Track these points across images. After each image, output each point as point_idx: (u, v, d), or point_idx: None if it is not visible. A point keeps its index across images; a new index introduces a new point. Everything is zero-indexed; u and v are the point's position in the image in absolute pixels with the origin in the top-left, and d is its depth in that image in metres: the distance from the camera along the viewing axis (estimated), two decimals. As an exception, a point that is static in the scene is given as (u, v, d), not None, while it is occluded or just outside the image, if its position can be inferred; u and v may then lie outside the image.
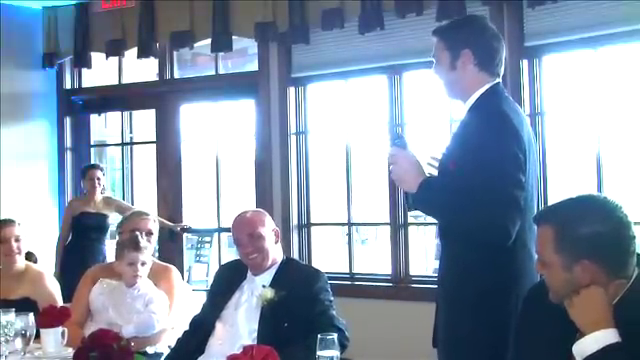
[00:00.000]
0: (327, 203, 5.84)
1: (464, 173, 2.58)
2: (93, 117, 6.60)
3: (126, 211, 4.74)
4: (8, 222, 4.23)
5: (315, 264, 5.42)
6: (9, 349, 3.02)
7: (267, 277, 3.36)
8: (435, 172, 2.81)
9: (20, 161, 6.05)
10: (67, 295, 4.09)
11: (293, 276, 3.33)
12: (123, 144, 6.53)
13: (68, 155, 6.41)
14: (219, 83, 5.96)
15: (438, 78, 2.85)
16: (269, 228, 3.40)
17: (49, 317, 3.30)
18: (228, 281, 3.48)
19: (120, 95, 6.38)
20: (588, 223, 2.04)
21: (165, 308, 3.66)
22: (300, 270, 3.45)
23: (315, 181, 5.58)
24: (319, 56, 5.33)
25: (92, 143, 6.67)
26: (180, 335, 3.53)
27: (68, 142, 6.42)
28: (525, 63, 4.63)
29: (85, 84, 6.47)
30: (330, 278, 3.53)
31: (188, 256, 7.76)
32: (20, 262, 4.15)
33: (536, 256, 2.75)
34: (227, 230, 5.88)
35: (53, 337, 3.27)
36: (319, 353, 2.39)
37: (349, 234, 5.57)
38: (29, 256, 4.32)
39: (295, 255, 5.37)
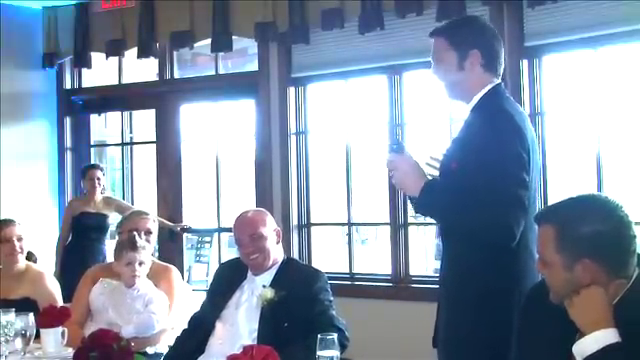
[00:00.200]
0: (327, 203, 5.84)
1: (467, 173, 2.57)
2: (93, 117, 6.60)
3: (126, 211, 4.74)
4: (9, 222, 4.23)
5: (315, 264, 5.42)
6: (9, 349, 3.03)
7: (267, 277, 3.36)
8: (436, 173, 2.81)
9: (20, 161, 6.05)
10: (67, 295, 4.09)
11: (293, 276, 3.33)
12: (123, 144, 6.53)
13: (68, 155, 6.41)
14: (219, 83, 5.96)
15: (439, 79, 2.84)
16: (270, 228, 3.39)
17: (49, 317, 3.30)
18: (228, 280, 3.48)
19: (120, 95, 6.38)
20: (589, 222, 2.04)
21: (165, 308, 3.66)
22: (300, 270, 3.45)
23: (315, 181, 5.58)
24: (319, 56, 5.33)
25: (92, 143, 6.67)
26: (179, 334, 3.54)
27: (68, 142, 6.42)
28: (525, 63, 4.63)
29: (85, 84, 6.47)
30: (330, 278, 3.53)
31: (188, 256, 7.76)
32: (21, 262, 4.15)
33: (537, 256, 2.76)
34: (227, 230, 5.89)
35: (53, 337, 3.27)
36: (319, 353, 2.40)
37: (349, 234, 5.58)
38: (29, 256, 4.32)
39: (295, 255, 5.37)
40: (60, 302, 3.97)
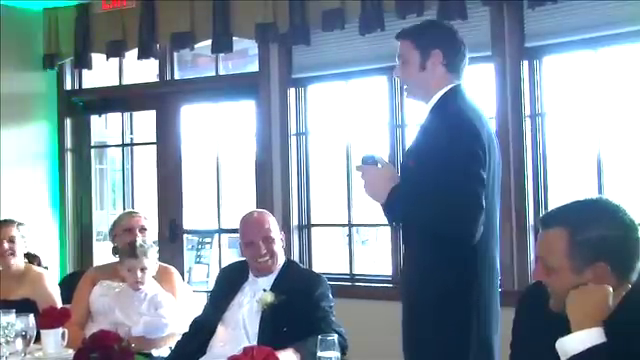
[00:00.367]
0: (327, 204, 5.84)
1: (424, 172, 2.65)
2: (94, 118, 6.59)
3: None
4: (4, 222, 4.24)
5: (315, 265, 5.43)
6: (9, 350, 3.03)
7: (269, 280, 3.36)
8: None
9: (20, 162, 6.05)
10: (67, 296, 4.10)
11: (294, 280, 3.33)
12: (123, 145, 6.52)
13: (68, 156, 6.40)
14: (219, 84, 5.95)
15: (402, 79, 2.96)
16: (277, 231, 3.41)
17: (49, 318, 3.31)
18: (230, 283, 3.48)
19: (120, 96, 6.37)
20: (603, 225, 2.02)
21: (174, 311, 3.66)
22: (301, 274, 3.45)
23: (315, 182, 5.57)
24: (319, 57, 5.33)
25: (92, 144, 6.66)
26: (180, 337, 3.54)
27: (68, 143, 6.41)
28: (525, 64, 4.63)
29: (85, 85, 6.47)
30: (330, 279, 3.54)
31: (188, 257, 7.76)
32: (17, 263, 4.14)
33: (498, 258, 2.80)
34: (227, 231, 5.89)
35: (53, 338, 3.27)
36: (320, 354, 2.40)
37: (349, 235, 5.57)
38: (32, 258, 4.32)
39: (295, 256, 5.37)
40: (59, 303, 3.97)
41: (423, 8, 4.66)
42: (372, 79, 5.32)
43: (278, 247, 3.38)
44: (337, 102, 5.49)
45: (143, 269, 3.64)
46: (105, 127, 7.69)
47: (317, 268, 5.26)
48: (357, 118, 5.43)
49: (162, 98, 6.10)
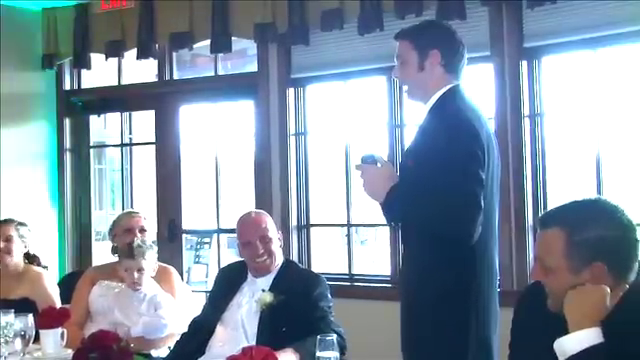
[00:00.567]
0: (326, 204, 5.84)
1: (423, 172, 2.65)
2: (92, 118, 6.59)
3: None
4: (2, 222, 4.24)
5: (314, 265, 5.43)
6: (8, 350, 3.03)
7: (268, 280, 3.36)
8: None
9: (19, 162, 6.05)
10: (66, 296, 4.10)
11: (293, 280, 3.33)
12: (122, 145, 6.52)
13: (67, 156, 6.41)
14: (218, 84, 5.95)
15: (401, 80, 2.97)
16: (275, 231, 3.42)
17: (48, 318, 3.31)
18: (229, 283, 3.49)
19: (119, 96, 6.37)
20: (601, 226, 2.02)
21: (173, 312, 3.66)
22: (300, 274, 3.45)
23: (314, 182, 5.57)
24: (318, 57, 5.33)
25: (91, 144, 6.66)
26: (179, 337, 3.54)
27: (67, 143, 6.41)
28: (524, 64, 4.63)
29: (84, 85, 6.47)
30: (329, 279, 3.54)
31: (187, 257, 7.75)
32: (14, 262, 4.14)
33: (497, 258, 2.81)
34: (226, 231, 5.89)
35: (52, 338, 3.27)
36: (319, 354, 2.40)
37: (348, 235, 5.57)
38: (32, 259, 4.32)
39: (294, 256, 5.37)
40: (59, 303, 3.97)
41: (422, 8, 4.66)
42: (371, 79, 5.32)
43: (276, 247, 3.38)
44: (336, 102, 5.49)
45: (140, 270, 3.63)
46: (104, 127, 7.67)
47: (316, 268, 5.26)
48: (356, 118, 5.43)
49: (161, 98, 6.10)
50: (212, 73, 5.99)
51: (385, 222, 2.87)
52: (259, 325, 3.24)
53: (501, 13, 4.62)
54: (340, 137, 5.44)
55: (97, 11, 5.99)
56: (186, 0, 5.57)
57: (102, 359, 2.67)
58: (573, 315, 1.98)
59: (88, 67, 6.14)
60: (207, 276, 9.63)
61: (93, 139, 6.67)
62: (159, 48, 5.88)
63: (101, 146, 7.81)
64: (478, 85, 4.68)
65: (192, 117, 6.34)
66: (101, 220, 7.28)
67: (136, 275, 3.62)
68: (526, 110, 4.62)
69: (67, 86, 6.42)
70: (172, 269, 3.99)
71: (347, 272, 5.41)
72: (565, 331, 1.98)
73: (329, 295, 3.35)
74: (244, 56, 6.89)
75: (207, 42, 5.57)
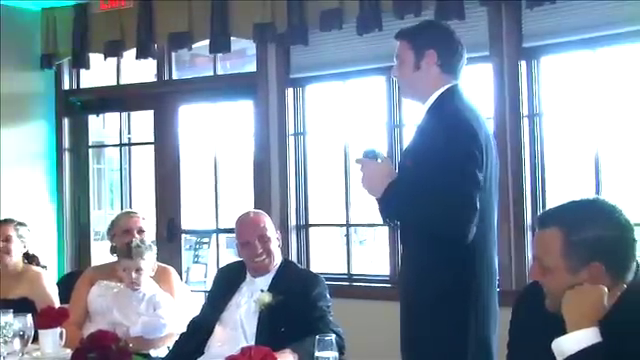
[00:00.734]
0: (325, 204, 5.84)
1: (421, 172, 2.66)
2: (91, 118, 6.58)
3: None
4: (2, 222, 4.24)
5: (313, 265, 5.43)
6: (7, 350, 3.03)
7: (266, 280, 3.36)
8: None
9: (18, 162, 6.04)
10: (64, 296, 4.10)
11: (291, 280, 3.33)
12: (121, 145, 6.52)
13: (66, 156, 6.40)
14: (217, 84, 5.95)
15: (398, 79, 2.98)
16: (274, 230, 3.42)
17: (47, 318, 3.31)
18: (227, 283, 3.49)
19: (118, 96, 6.37)
20: (598, 225, 2.02)
21: (172, 311, 3.66)
22: (299, 274, 3.45)
23: (313, 182, 5.57)
24: (317, 57, 5.32)
25: (90, 144, 6.66)
26: (178, 337, 3.54)
27: (66, 143, 6.40)
28: (523, 64, 4.63)
29: (83, 85, 6.46)
30: (328, 279, 3.54)
31: (186, 257, 7.75)
32: (12, 262, 4.14)
33: (497, 258, 2.82)
34: (225, 231, 5.89)
35: (51, 338, 3.27)
36: (318, 354, 2.40)
37: (347, 235, 5.57)
38: (31, 259, 4.32)
39: (293, 256, 5.37)
40: (57, 303, 3.97)
41: (421, 8, 4.66)
42: (370, 79, 5.32)
43: (274, 246, 3.38)
44: (335, 102, 5.49)
45: (138, 270, 3.63)
46: (103, 127, 7.68)
47: (315, 268, 5.26)
48: (355, 118, 5.43)
49: (160, 98, 6.10)
50: (211, 73, 5.99)
51: (381, 220, 2.87)
52: (258, 325, 3.24)
53: (500, 13, 4.62)
54: (339, 137, 5.44)
55: (96, 11, 5.99)
56: (185, 0, 5.57)
57: (101, 359, 2.67)
58: (571, 315, 1.98)
59: (87, 67, 6.14)
60: (206, 276, 9.63)
61: (92, 139, 6.67)
62: (158, 48, 5.87)
63: (100, 146, 7.82)
64: (477, 85, 4.68)
65: (191, 117, 6.34)
66: (100, 220, 7.28)
67: (134, 275, 3.62)
68: (525, 110, 4.62)
69: (66, 86, 6.42)
70: (171, 269, 3.99)
71: (346, 272, 5.41)
72: (563, 331, 1.98)
73: (328, 295, 3.35)
74: (243, 56, 6.89)
75: (206, 42, 5.57)
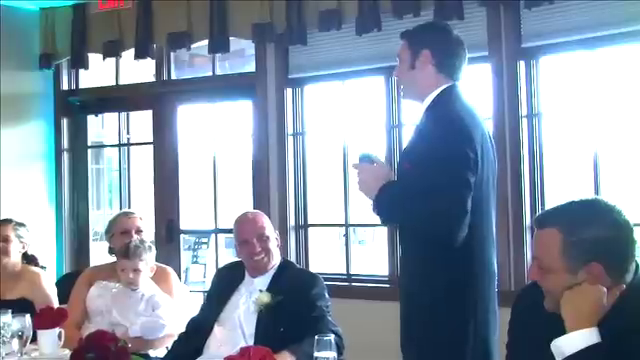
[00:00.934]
0: (324, 204, 5.84)
1: (417, 173, 2.66)
2: (90, 118, 6.58)
3: None
4: (0, 222, 4.24)
5: (312, 265, 5.43)
6: (6, 350, 3.03)
7: (265, 280, 3.36)
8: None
9: (17, 162, 6.04)
10: (63, 296, 4.09)
11: (290, 280, 3.33)
12: (120, 145, 6.52)
13: (65, 156, 6.40)
14: (216, 84, 5.95)
15: (397, 78, 3.04)
16: (272, 230, 3.42)
17: (46, 318, 3.30)
18: (226, 283, 3.49)
19: (117, 96, 6.36)
20: (597, 226, 2.02)
21: (172, 312, 3.66)
22: (297, 274, 3.45)
23: (312, 182, 5.57)
24: (316, 57, 5.32)
25: (89, 144, 6.66)
26: (177, 337, 3.54)
27: (65, 143, 6.40)
28: (522, 64, 4.63)
29: (82, 85, 6.46)
30: (327, 279, 3.54)
31: (185, 257, 7.76)
32: (11, 262, 4.14)
33: (495, 259, 2.82)
34: (224, 231, 5.89)
35: (50, 338, 3.27)
36: (317, 354, 2.40)
37: (346, 235, 5.57)
38: (30, 259, 4.31)
39: (292, 256, 5.37)
40: (56, 303, 3.97)
41: (420, 8, 4.66)
42: (369, 79, 5.32)
43: (273, 246, 3.39)
44: (334, 102, 5.49)
45: (136, 270, 3.63)
46: (102, 127, 7.69)
47: (314, 268, 5.25)
48: (354, 118, 5.43)
49: (159, 98, 6.10)
50: (210, 73, 5.98)
51: (379, 220, 2.89)
52: (257, 325, 3.24)
53: (499, 13, 4.62)
54: (338, 137, 5.44)
55: (95, 11, 5.98)
56: (184, 0, 5.57)
57: (100, 359, 2.67)
58: (570, 315, 1.98)
59: (86, 67, 6.13)
60: (205, 276, 9.65)
61: (91, 139, 6.67)
62: (157, 48, 5.87)
63: (99, 146, 7.83)
64: (476, 85, 4.68)
65: (190, 117, 6.34)
66: (99, 220, 7.29)
67: (131, 275, 3.62)
68: (524, 110, 4.62)
69: (65, 86, 6.42)
70: (170, 269, 3.99)
71: (345, 272, 5.41)
72: (563, 331, 1.98)
73: (326, 295, 3.35)
74: (242, 56, 6.89)
75: (205, 42, 5.56)
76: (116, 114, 6.52)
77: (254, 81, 5.61)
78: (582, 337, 1.93)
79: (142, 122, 6.57)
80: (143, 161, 6.50)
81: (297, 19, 5.13)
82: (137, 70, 6.52)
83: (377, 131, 5.29)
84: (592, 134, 4.46)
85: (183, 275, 6.62)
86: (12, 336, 3.06)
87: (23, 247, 4.25)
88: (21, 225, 4.27)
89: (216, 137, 6.00)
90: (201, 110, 6.29)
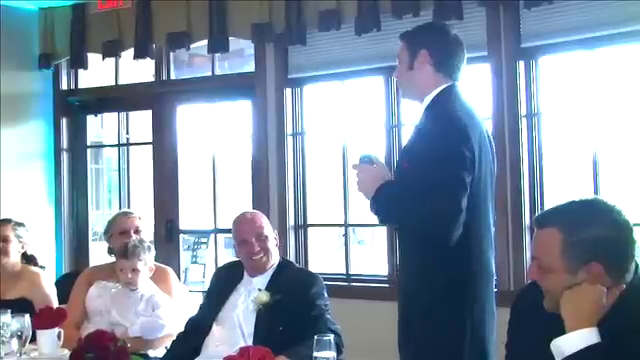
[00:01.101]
0: (324, 204, 5.84)
1: (414, 173, 2.68)
2: (89, 118, 6.58)
3: None
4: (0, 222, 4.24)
5: (312, 265, 5.43)
6: (5, 350, 3.03)
7: (264, 279, 3.36)
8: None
9: (16, 162, 6.04)
10: (63, 296, 4.09)
11: (289, 280, 3.34)
12: (119, 145, 6.52)
13: (64, 156, 6.40)
14: (216, 84, 5.95)
15: (397, 79, 3.06)
16: (271, 230, 3.43)
17: (45, 318, 3.30)
18: (225, 282, 3.49)
19: (116, 96, 6.37)
20: (597, 226, 2.02)
21: (171, 312, 3.66)
22: (296, 273, 3.46)
23: (312, 182, 5.57)
24: (316, 57, 5.33)
25: (88, 144, 6.66)
26: (176, 337, 3.54)
27: (64, 143, 6.40)
28: (522, 64, 4.63)
29: (81, 85, 6.46)
30: (326, 279, 3.54)
31: (184, 257, 7.76)
32: (10, 262, 4.14)
33: (493, 259, 2.83)
34: (224, 231, 5.89)
35: (49, 338, 3.27)
36: (316, 354, 2.40)
37: (346, 235, 5.57)
38: (30, 259, 4.31)
39: (292, 256, 5.37)
40: (56, 303, 3.97)
41: (419, 8, 4.66)
42: (368, 79, 5.32)
43: (272, 245, 3.39)
44: (333, 102, 5.49)
45: (135, 270, 3.63)
46: (101, 127, 7.68)
47: (313, 268, 5.25)
48: (353, 118, 5.43)
49: (158, 98, 6.10)
50: (209, 73, 5.98)
51: (378, 220, 2.90)
52: (256, 324, 3.24)
53: (498, 13, 4.62)
54: (337, 137, 5.45)
55: (94, 11, 5.99)
56: (183, 0, 5.57)
57: (99, 359, 2.67)
58: (570, 315, 1.98)
59: (85, 67, 6.13)
60: (204, 276, 9.64)
61: (90, 139, 6.67)
62: (156, 48, 5.87)
63: (98, 146, 7.82)
64: (475, 85, 4.68)
65: (189, 117, 6.33)
66: (98, 220, 7.29)
67: (130, 275, 3.62)
68: (523, 110, 4.62)
69: (64, 86, 6.42)
70: (169, 269, 3.99)
71: (344, 272, 5.41)
72: (562, 331, 1.98)
73: (325, 294, 3.35)
74: (241, 56, 6.89)
75: (204, 42, 5.56)
76: (115, 114, 6.52)
77: (253, 81, 5.61)
78: (582, 337, 1.93)
79: (141, 122, 6.56)
80: (142, 161, 6.50)
81: (296, 19, 5.13)
82: (136, 70, 6.52)
83: (376, 131, 5.29)
84: (591, 134, 4.46)
85: (182, 275, 6.63)
86: (11, 336, 3.06)
87: (22, 247, 4.24)
88: (20, 225, 4.27)
89: (215, 137, 6.00)
90: (200, 110, 6.29)
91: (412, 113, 5.12)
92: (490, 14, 4.64)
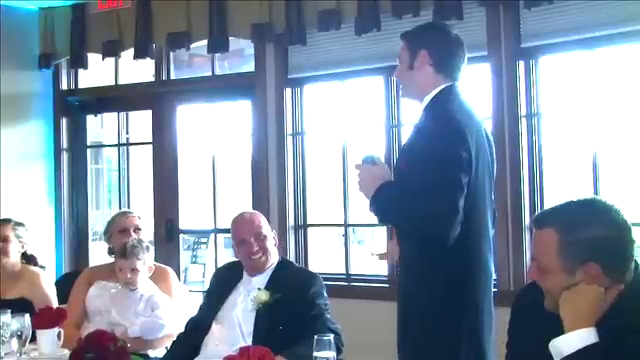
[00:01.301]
0: (324, 204, 5.84)
1: (412, 173, 2.68)
2: (89, 118, 6.58)
3: None
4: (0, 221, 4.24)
5: (311, 265, 5.43)
6: (5, 350, 3.03)
7: (263, 279, 3.36)
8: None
9: (16, 162, 6.04)
10: (62, 296, 4.09)
11: (289, 279, 3.34)
12: (119, 145, 6.52)
13: (64, 156, 6.40)
14: (215, 84, 5.95)
15: (396, 78, 3.08)
16: (269, 229, 3.43)
17: (45, 318, 3.30)
18: (224, 282, 3.49)
19: (116, 96, 6.37)
20: (594, 226, 2.01)
21: (171, 312, 3.66)
22: (296, 273, 3.46)
23: (312, 182, 5.57)
24: (315, 57, 5.33)
25: (88, 144, 6.66)
26: (176, 337, 3.54)
27: (64, 143, 6.40)
28: (521, 64, 4.63)
29: (81, 85, 6.46)
30: (326, 279, 3.54)
31: (184, 257, 7.75)
32: (9, 262, 4.14)
33: (492, 259, 2.83)
34: (224, 231, 5.88)
35: (49, 338, 3.27)
36: (316, 354, 2.40)
37: (345, 235, 5.57)
38: (30, 259, 4.31)
39: (292, 256, 5.37)
40: (55, 303, 3.97)
41: (419, 8, 4.66)
42: (368, 79, 5.32)
43: (270, 244, 3.39)
44: (333, 102, 5.49)
45: (134, 270, 3.63)
46: (101, 127, 7.68)
47: (313, 268, 5.25)
48: (353, 118, 5.43)
49: (158, 98, 6.10)
50: (209, 73, 5.98)
51: (377, 220, 2.90)
52: (255, 323, 3.24)
53: (498, 13, 4.63)
54: (337, 137, 5.45)
55: (94, 11, 5.99)
56: (183, 0, 5.57)
57: (99, 359, 2.67)
58: (568, 315, 1.98)
59: (85, 67, 6.13)
60: (204, 276, 9.63)
61: (90, 139, 6.67)
62: (156, 48, 5.87)
63: (98, 146, 7.82)
64: (475, 85, 4.68)
65: (189, 117, 6.33)
66: (98, 220, 7.29)
67: (129, 275, 3.62)
68: (523, 110, 4.62)
69: (64, 86, 6.42)
70: (169, 269, 3.99)
71: (344, 272, 5.41)
72: (562, 331, 1.98)
73: (325, 293, 3.35)
74: (241, 56, 6.89)
75: (204, 42, 5.56)
76: (115, 114, 6.52)
77: (253, 81, 5.61)
78: (580, 337, 1.93)
79: (141, 122, 6.56)
80: (142, 161, 6.49)
81: (296, 19, 5.13)
82: (136, 70, 6.52)
83: (376, 131, 5.29)
84: (591, 134, 4.46)
85: (182, 275, 6.63)
86: (11, 336, 3.06)
87: (22, 247, 4.25)
88: (20, 225, 4.27)
89: (215, 137, 6.00)
90: (200, 110, 6.29)
91: (412, 113, 5.13)
92: (490, 14, 4.64)
